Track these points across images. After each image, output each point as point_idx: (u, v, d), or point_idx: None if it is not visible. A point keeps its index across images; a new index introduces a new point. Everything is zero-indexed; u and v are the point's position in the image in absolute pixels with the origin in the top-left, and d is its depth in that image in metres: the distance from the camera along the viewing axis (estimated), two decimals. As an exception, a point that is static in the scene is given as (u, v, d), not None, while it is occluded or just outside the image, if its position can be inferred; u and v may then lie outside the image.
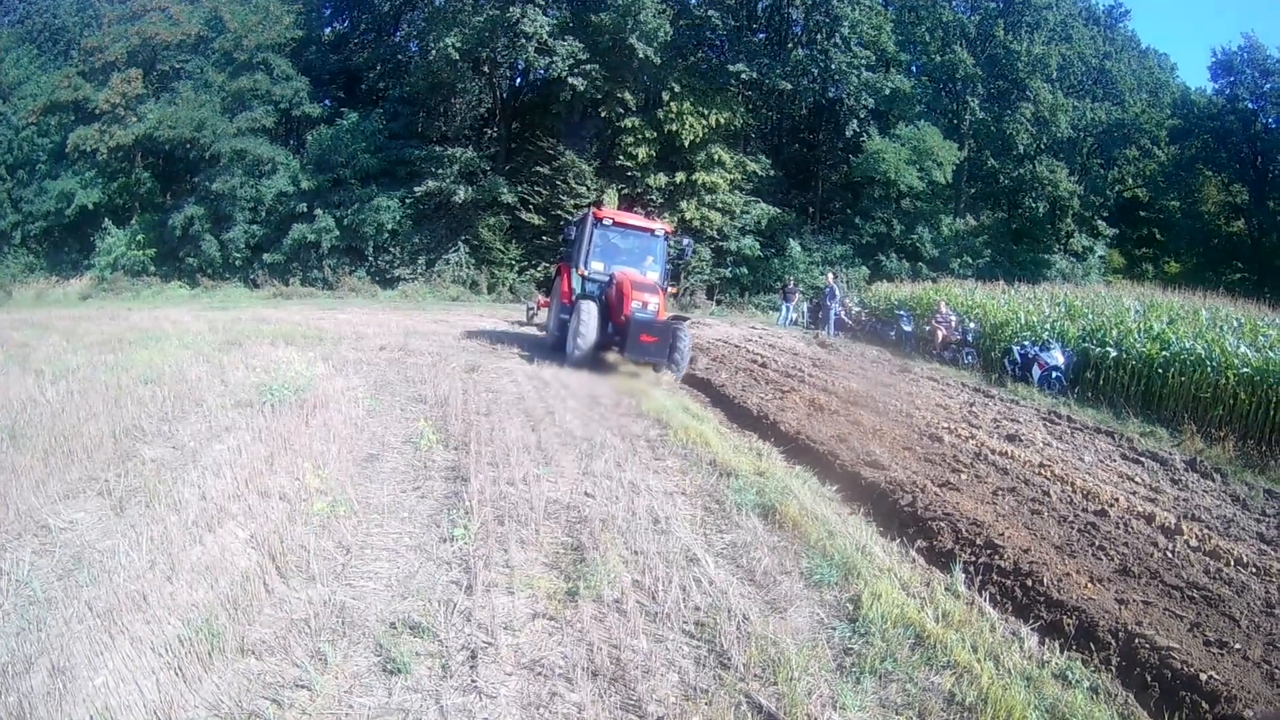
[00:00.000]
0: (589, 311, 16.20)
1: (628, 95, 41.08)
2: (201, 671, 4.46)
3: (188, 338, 14.56)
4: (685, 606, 5.97)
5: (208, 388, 10.23)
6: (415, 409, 10.65)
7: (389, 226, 41.46)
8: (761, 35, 46.85)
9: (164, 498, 6.71)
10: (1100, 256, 50.53)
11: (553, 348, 18.31)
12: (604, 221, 18.00)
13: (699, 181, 41.47)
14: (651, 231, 18.52)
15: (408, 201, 42.10)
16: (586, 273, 17.45)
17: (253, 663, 4.62)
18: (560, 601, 5.80)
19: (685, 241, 20.10)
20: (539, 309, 24.55)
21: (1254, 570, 8.75)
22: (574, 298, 17.29)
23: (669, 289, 19.45)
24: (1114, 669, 6.29)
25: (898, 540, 8.35)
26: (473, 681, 4.65)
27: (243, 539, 6.04)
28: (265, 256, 42.36)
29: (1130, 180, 56.30)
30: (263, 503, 6.74)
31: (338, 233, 41.51)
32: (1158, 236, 57.20)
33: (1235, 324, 20.38)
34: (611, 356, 16.77)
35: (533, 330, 24.31)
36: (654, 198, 41.37)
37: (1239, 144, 52.82)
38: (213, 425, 8.73)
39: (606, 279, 17.43)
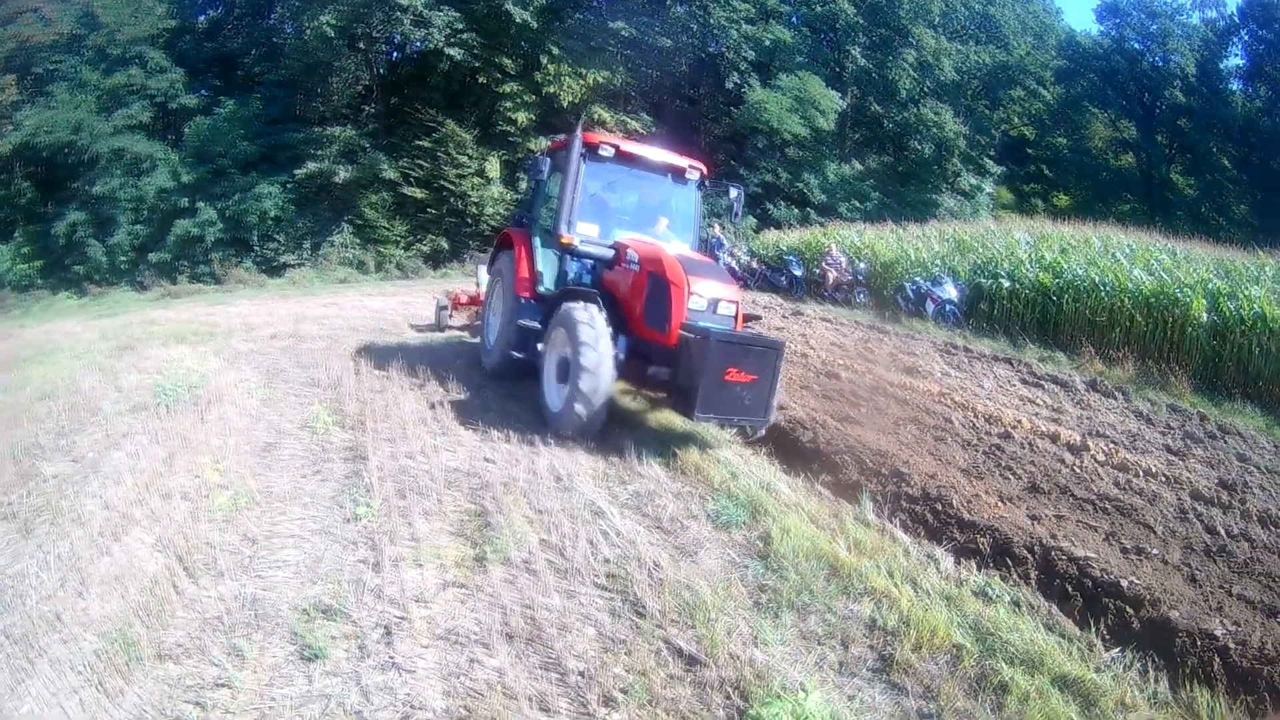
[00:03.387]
0: (592, 328, 8.87)
1: (506, 61, 40.75)
2: (122, 684, 4.43)
3: (80, 348, 13.78)
4: (595, 560, 6.10)
5: (103, 396, 9.88)
6: (310, 393, 10.43)
7: (272, 213, 40.37)
8: None
9: (68, 513, 6.48)
10: (989, 194, 51.79)
11: (498, 374, 11.55)
12: (601, 152, 10.50)
13: None
14: (678, 172, 11.25)
15: (289, 186, 41.02)
16: (573, 241, 10.12)
17: (171, 668, 4.60)
18: (469, 568, 5.86)
19: (735, 191, 11.85)
20: (456, 309, 17.16)
21: (1164, 479, 9.01)
22: (540, 291, 10.87)
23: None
24: (1033, 583, 6.42)
25: (802, 476, 8.65)
26: (391, 658, 4.70)
27: (149, 544, 5.98)
28: (151, 256, 40.60)
29: (1017, 120, 58.11)
30: (165, 504, 6.67)
31: (221, 224, 40.16)
32: (1046, 172, 59.31)
33: (1128, 250, 21.03)
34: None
35: (455, 334, 17.07)
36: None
37: (1125, 82, 55.76)
38: (110, 433, 8.46)
39: (607, 254, 10.31)
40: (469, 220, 39.76)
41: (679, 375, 8.72)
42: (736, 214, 11.91)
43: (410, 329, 16.75)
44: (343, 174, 40.27)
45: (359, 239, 40.83)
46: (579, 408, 8.70)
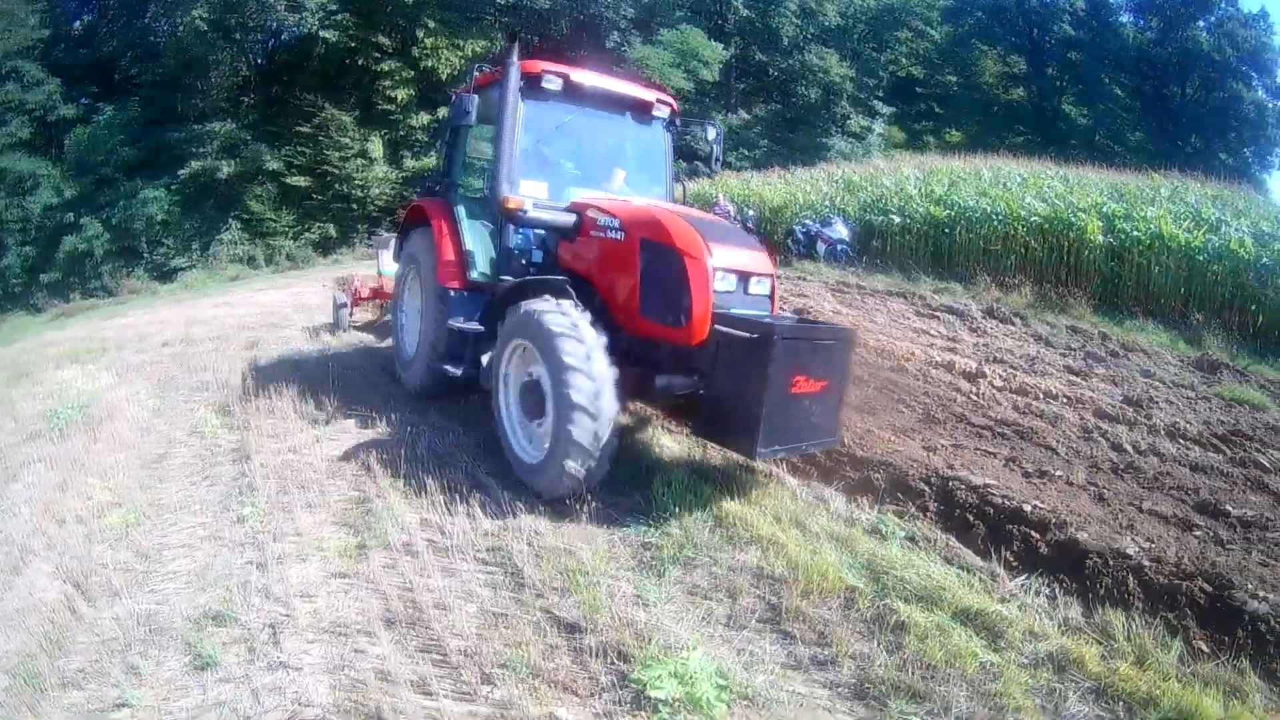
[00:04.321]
0: (579, 341, 6.29)
1: (383, 39, 40.74)
2: (30, 718, 4.42)
3: (-26, 381, 13.23)
4: (475, 534, 6.06)
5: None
6: (200, 397, 10.16)
7: (159, 218, 39.89)
8: None
9: (-32, 553, 6.48)
10: (880, 134, 52.56)
11: (426, 395, 9.23)
12: (545, 84, 8.10)
13: None
14: (642, 108, 8.92)
15: (174, 188, 40.58)
16: (522, 205, 7.46)
17: (75, 695, 4.58)
18: (352, 557, 5.87)
19: (713, 130, 9.66)
20: (357, 305, 14.85)
21: (1065, 400, 8.95)
22: (473, 279, 8.41)
23: None
24: (931, 516, 6.28)
25: (685, 428, 8.37)
26: (279, 658, 4.69)
27: (47, 573, 5.94)
28: (43, 278, 39.91)
29: (905, 61, 58.83)
30: (60, 530, 6.61)
31: (109, 236, 39.61)
32: (937, 110, 60.29)
33: (1019, 179, 21.52)
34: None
35: (358, 338, 14.01)
36: (418, 138, 41.19)
37: (1014, 18, 57.74)
38: (8, 465, 8.25)
39: (567, 220, 7.63)
40: (355, 204, 39.70)
41: (715, 390, 6.23)
42: (717, 159, 9.51)
43: (303, 331, 14.66)
44: (226, 169, 40.25)
45: (247, 234, 40.69)
46: (573, 464, 6.12)
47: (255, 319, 17.38)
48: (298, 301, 19.60)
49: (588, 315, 6.48)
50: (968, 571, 5.54)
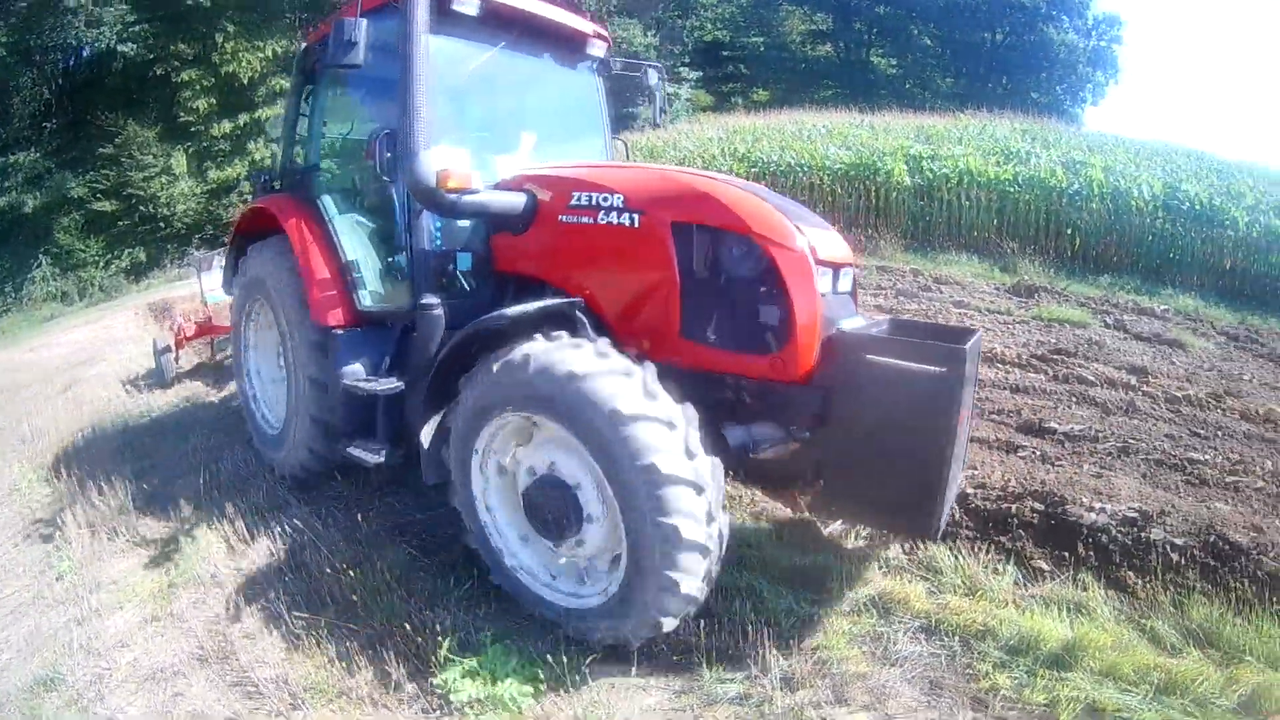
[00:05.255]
0: (669, 426, 3.96)
1: (183, 47, 38.84)
2: None
3: None
4: (277, 551, 5.91)
5: None
6: (17, 451, 9.63)
7: None
8: None
9: None
10: (686, 99, 52.80)
11: (301, 483, 6.89)
12: (457, 7, 5.70)
13: (264, 118, 39.80)
14: (574, 43, 6.86)
15: None
16: (467, 184, 5.17)
17: None
18: (164, 599, 5.66)
19: (654, 74, 7.72)
20: (184, 346, 11.91)
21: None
22: (365, 308, 6.09)
23: None
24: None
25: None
26: (106, 714, 4.59)
27: None
28: None
29: (710, 25, 59.11)
30: None
31: None
32: (744, 71, 60.98)
33: (823, 130, 22.27)
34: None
35: (189, 391, 10.98)
36: (222, 147, 39.59)
37: None
38: None
39: (515, 204, 5.51)
40: (161, 223, 38.01)
41: (851, 445, 4.36)
42: (662, 110, 7.90)
43: (121, 383, 11.93)
44: (31, 203, 38.66)
45: (58, 268, 38.93)
46: (671, 619, 4.18)
47: (72, 359, 16.14)
48: (111, 336, 18.56)
49: (680, 414, 4.05)
50: (784, 527, 5.45)
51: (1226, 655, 4.36)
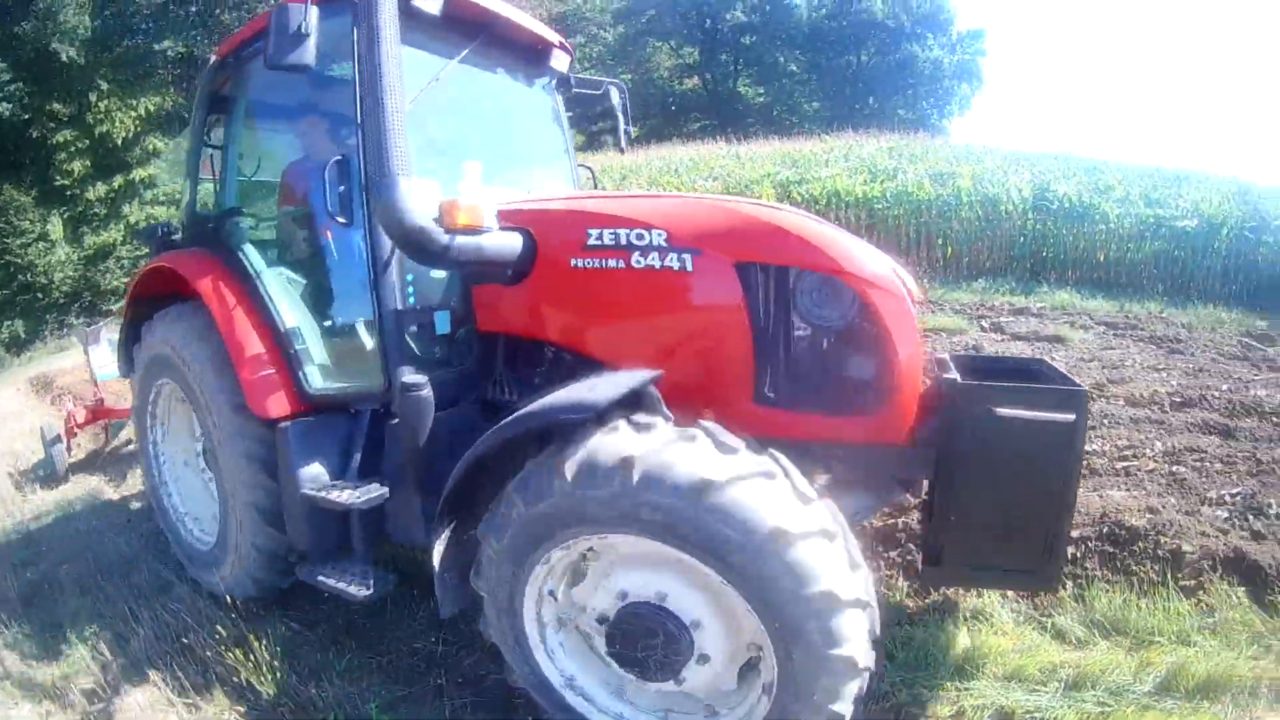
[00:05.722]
0: (830, 537, 3.12)
1: (58, 106, 38.03)
2: None
3: None
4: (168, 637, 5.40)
5: None
6: None
7: None
8: (194, 6, 44.29)
9: None
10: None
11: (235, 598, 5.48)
12: (419, 1, 4.61)
13: (138, 179, 39.27)
14: (537, 53, 5.86)
15: None
16: (479, 221, 4.11)
17: None
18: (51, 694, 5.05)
19: (616, 92, 6.87)
20: (75, 434, 10.32)
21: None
22: (315, 390, 4.92)
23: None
24: None
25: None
26: None
27: None
28: None
29: (579, 65, 59.40)
30: None
31: None
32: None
33: (689, 163, 23.08)
34: None
35: (84, 488, 9.44)
36: (98, 210, 38.75)
37: (687, 11, 59.89)
38: None
39: (510, 249, 4.30)
40: (39, 293, 36.96)
41: (968, 503, 3.91)
42: (626, 130, 6.93)
43: (8, 475, 10.15)
44: None
45: None
46: None
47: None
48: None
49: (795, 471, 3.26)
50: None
51: (1136, 640, 4.28)
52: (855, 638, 3.07)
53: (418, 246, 3.86)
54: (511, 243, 4.25)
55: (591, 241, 4.17)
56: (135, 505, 8.18)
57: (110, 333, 9.54)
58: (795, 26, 59.01)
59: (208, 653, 4.95)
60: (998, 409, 3.69)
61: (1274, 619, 4.44)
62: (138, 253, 35.07)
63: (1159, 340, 11.21)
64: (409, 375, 4.28)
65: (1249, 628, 4.38)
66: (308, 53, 4.09)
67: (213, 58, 5.78)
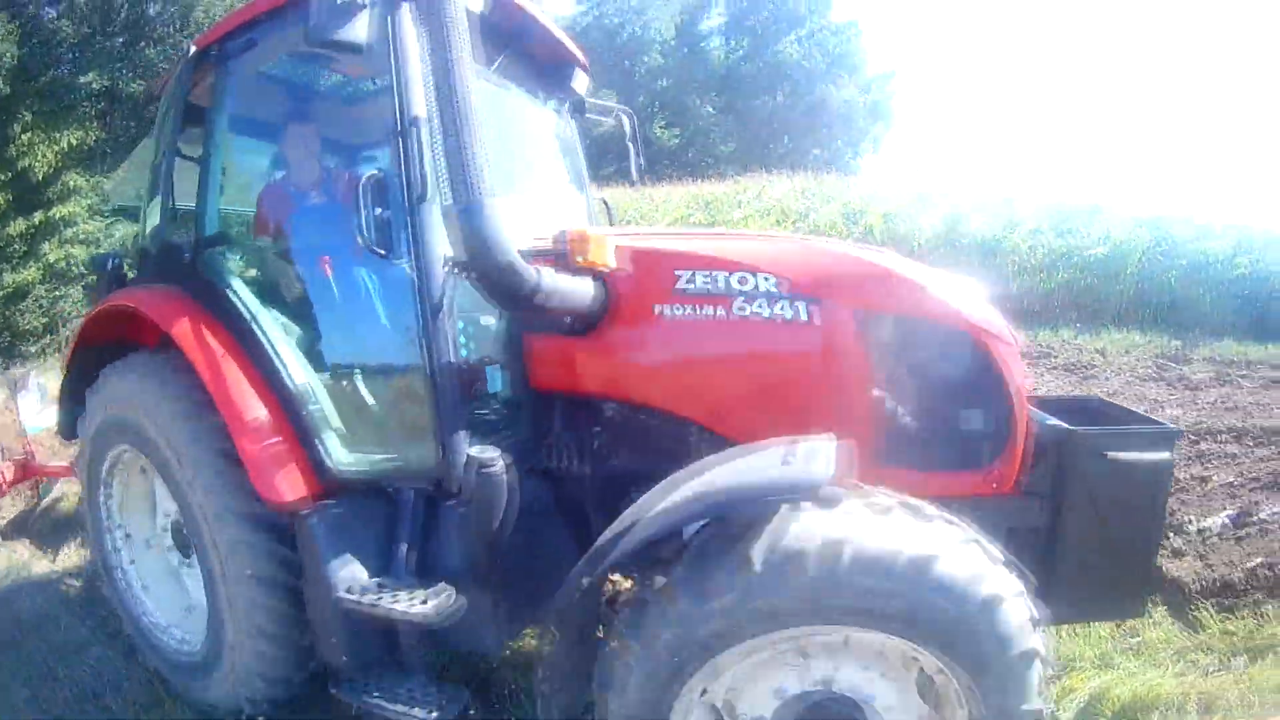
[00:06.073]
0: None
1: None
2: None
3: None
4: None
5: None
6: None
7: None
8: (120, 39, 43.65)
9: None
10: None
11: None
12: None
13: (57, 217, 37.99)
14: (561, 71, 5.41)
15: None
16: (601, 260, 3.59)
17: None
18: None
19: (627, 119, 6.45)
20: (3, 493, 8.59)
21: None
22: (347, 471, 4.01)
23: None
24: None
25: None
26: None
27: None
28: None
29: (499, 107, 60.51)
30: None
31: None
32: (528, 155, 62.43)
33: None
34: None
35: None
36: (16, 248, 37.15)
37: (603, 54, 59.70)
38: None
39: (587, 288, 3.64)
40: None
41: (1068, 550, 3.78)
42: (638, 156, 6.31)
43: None
44: None
45: None
46: None
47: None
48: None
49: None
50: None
51: (1056, 668, 4.12)
52: (1042, 691, 2.91)
53: (506, 287, 3.24)
54: (583, 286, 3.61)
55: (681, 285, 3.70)
56: (74, 582, 6.83)
57: (39, 379, 8.87)
58: (709, 69, 60.33)
59: (127, 712, 4.66)
60: (1109, 453, 3.60)
61: (1198, 634, 4.43)
62: (55, 292, 35.08)
63: (1071, 367, 11.43)
64: (477, 449, 3.57)
65: (1172, 645, 4.39)
66: (363, 27, 3.40)
67: (191, 49, 4.70)
